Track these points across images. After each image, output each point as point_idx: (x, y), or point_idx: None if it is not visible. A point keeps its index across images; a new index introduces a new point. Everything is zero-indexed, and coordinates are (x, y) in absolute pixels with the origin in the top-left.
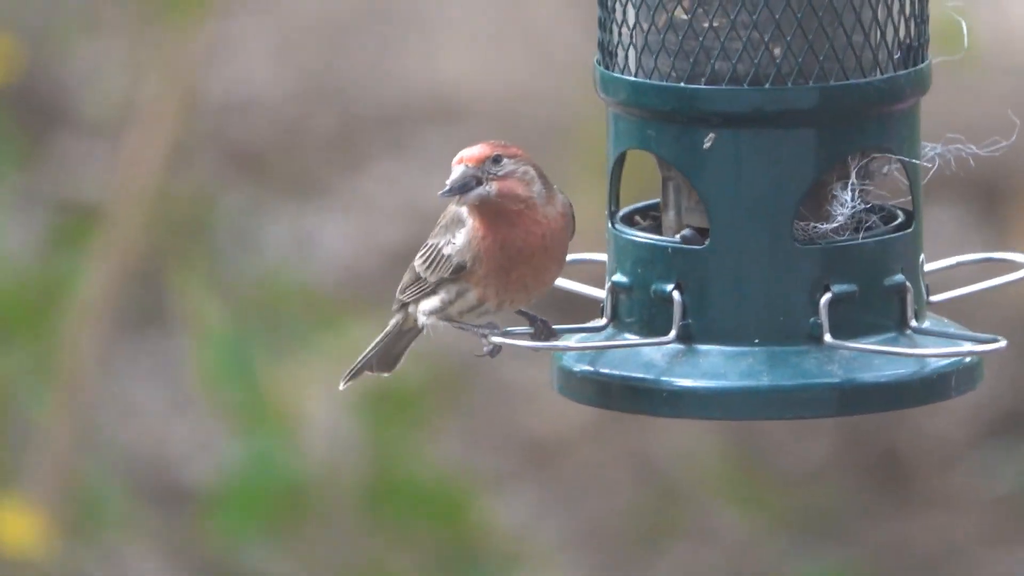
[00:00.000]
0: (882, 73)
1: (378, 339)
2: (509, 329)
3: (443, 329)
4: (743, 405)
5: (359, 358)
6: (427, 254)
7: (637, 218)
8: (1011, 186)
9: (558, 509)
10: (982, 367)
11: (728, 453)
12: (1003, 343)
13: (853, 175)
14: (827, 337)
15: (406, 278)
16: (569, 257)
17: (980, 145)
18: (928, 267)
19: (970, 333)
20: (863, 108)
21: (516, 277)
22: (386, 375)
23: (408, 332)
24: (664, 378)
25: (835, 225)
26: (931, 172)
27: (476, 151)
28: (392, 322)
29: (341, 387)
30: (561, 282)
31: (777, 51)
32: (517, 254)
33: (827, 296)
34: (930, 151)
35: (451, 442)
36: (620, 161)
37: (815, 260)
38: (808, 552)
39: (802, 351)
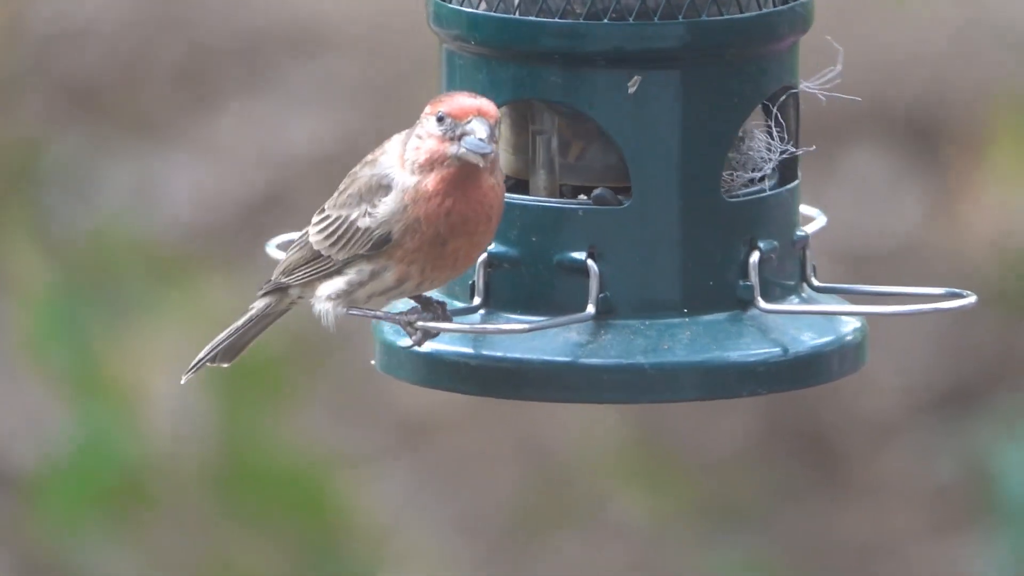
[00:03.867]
0: (760, 8)
1: (236, 326)
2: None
3: (344, 317)
4: (675, 385)
5: (207, 348)
6: (332, 228)
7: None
8: (949, 126)
9: (434, 495)
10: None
11: (630, 434)
12: (973, 298)
13: (776, 115)
14: (760, 302)
15: (294, 258)
16: None
17: (814, 79)
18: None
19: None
20: (740, 46)
21: (451, 250)
22: (225, 366)
23: (269, 318)
24: (583, 360)
25: (763, 174)
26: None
27: (490, 107)
28: (257, 306)
29: (182, 381)
30: None
31: None
32: (461, 224)
33: (756, 255)
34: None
35: (314, 420)
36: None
37: (745, 215)
38: (723, 544)
39: (734, 319)
